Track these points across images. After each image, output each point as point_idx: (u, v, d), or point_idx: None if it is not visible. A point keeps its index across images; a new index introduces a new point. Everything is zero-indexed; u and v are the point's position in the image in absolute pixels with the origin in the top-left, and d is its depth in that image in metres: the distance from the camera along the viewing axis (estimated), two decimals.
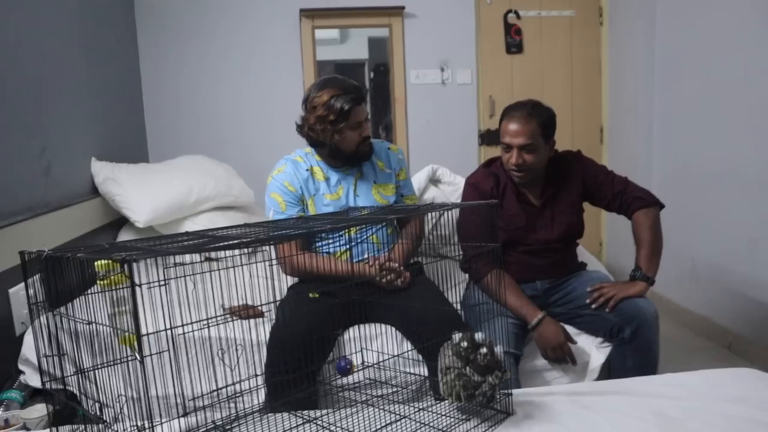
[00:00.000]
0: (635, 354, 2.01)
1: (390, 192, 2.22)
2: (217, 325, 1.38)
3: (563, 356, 1.99)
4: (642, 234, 2.13)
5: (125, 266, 0.80)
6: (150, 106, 3.82)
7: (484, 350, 1.32)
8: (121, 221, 2.87)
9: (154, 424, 1.06)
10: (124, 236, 2.81)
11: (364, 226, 2.07)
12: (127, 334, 1.18)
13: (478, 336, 1.38)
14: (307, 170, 2.16)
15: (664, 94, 3.63)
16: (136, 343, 1.04)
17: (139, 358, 0.98)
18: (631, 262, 2.14)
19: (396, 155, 2.27)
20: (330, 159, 2.17)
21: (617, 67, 4.05)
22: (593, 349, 2.10)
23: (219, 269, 1.29)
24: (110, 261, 0.90)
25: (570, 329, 2.05)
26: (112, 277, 1.17)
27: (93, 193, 2.77)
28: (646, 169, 3.73)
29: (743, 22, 2.88)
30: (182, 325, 1.01)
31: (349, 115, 2.05)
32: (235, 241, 1.06)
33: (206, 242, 1.11)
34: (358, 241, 2.13)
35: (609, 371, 2.08)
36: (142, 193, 2.71)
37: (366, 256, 2.13)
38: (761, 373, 1.55)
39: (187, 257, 2.61)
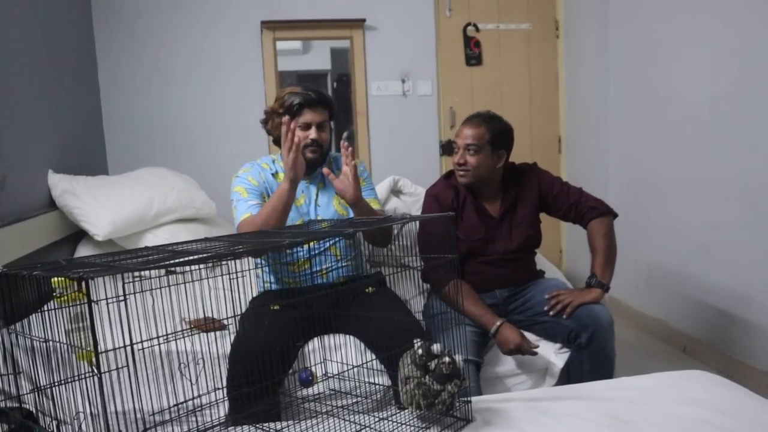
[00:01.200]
0: (592, 358, 2.06)
1: None
2: (178, 339, 1.38)
3: (522, 353, 2.03)
4: (597, 243, 2.19)
5: (83, 284, 0.79)
6: (109, 118, 3.76)
7: (446, 359, 1.34)
8: (79, 234, 2.82)
9: None
10: (82, 250, 2.76)
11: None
12: (85, 350, 1.17)
13: (436, 347, 1.41)
14: (272, 174, 2.21)
15: (618, 106, 3.74)
16: (94, 359, 1.04)
17: (97, 374, 0.97)
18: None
19: (357, 167, 2.29)
20: None
21: (574, 79, 4.16)
22: (552, 355, 2.15)
23: (178, 283, 1.29)
24: (66, 279, 0.89)
25: (529, 336, 2.09)
26: (69, 294, 1.16)
27: (50, 206, 2.71)
28: (603, 179, 3.83)
29: (693, 38, 3.00)
30: (140, 341, 1.00)
31: (298, 113, 2.11)
32: (195, 257, 1.06)
33: (165, 257, 1.12)
34: (318, 251, 2.14)
35: (568, 376, 2.14)
36: (101, 206, 2.67)
37: (325, 265, 2.14)
38: (711, 374, 1.61)
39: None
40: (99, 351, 0.80)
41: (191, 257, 1.03)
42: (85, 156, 3.43)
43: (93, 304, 0.85)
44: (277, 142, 2.21)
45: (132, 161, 3.48)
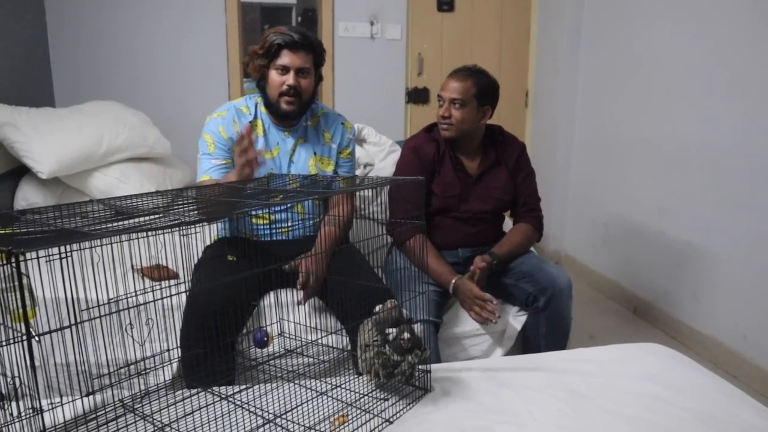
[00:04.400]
0: (549, 322, 2.08)
1: (328, 168, 2.13)
2: (129, 299, 1.30)
3: (484, 308, 1.98)
4: (511, 238, 2.19)
5: (12, 259, 0.71)
6: (56, 45, 3.50)
7: (406, 335, 1.31)
8: (21, 170, 2.65)
9: (48, 407, 0.99)
10: (25, 188, 2.60)
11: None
12: (19, 311, 1.09)
13: (405, 311, 1.37)
14: (249, 122, 2.05)
15: (589, 65, 3.69)
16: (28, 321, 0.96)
17: (27, 338, 0.90)
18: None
19: (347, 133, 2.17)
20: (269, 111, 2.07)
21: (545, 33, 4.06)
22: (510, 318, 2.16)
23: (122, 240, 1.19)
24: None
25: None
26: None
27: None
28: (567, 136, 3.81)
29: (671, 1, 2.94)
30: (87, 320, 0.92)
31: (277, 54, 1.98)
32: (145, 220, 0.97)
33: (115, 217, 1.03)
34: (282, 209, 2.06)
35: (524, 338, 2.15)
36: (45, 141, 2.50)
37: (288, 223, 2.07)
38: (667, 349, 1.63)
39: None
40: (32, 335, 0.72)
41: (142, 220, 0.94)
42: (29, 86, 3.20)
43: (27, 276, 0.76)
44: (258, 84, 2.07)
45: (80, 94, 3.27)
